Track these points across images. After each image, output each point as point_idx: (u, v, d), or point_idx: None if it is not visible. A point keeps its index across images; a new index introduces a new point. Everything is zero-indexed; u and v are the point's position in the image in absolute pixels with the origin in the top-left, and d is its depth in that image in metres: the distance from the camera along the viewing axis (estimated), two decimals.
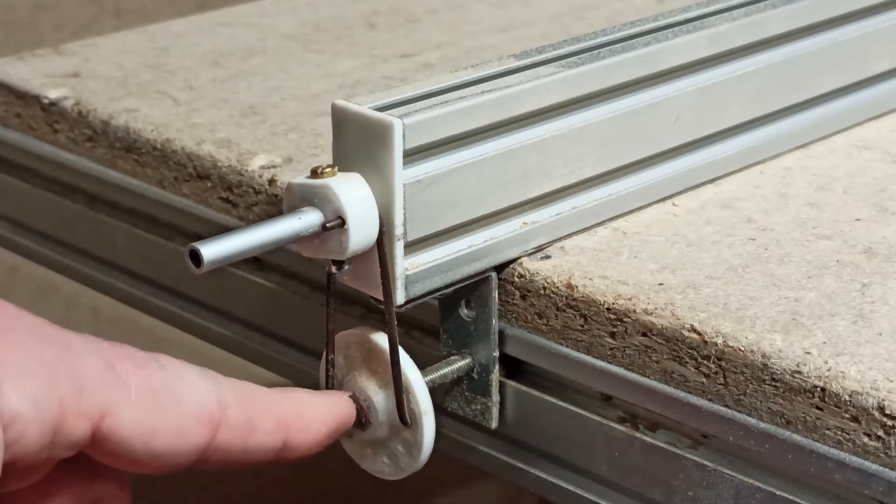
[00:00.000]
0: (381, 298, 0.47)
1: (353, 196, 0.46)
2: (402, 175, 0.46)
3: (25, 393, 0.38)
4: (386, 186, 0.46)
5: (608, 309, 0.48)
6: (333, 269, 0.47)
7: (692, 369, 0.47)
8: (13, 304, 0.40)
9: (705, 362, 0.46)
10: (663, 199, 0.56)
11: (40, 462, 0.40)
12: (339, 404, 0.47)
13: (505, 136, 0.49)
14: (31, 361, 0.39)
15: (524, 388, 0.52)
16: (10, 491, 0.42)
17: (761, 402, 0.45)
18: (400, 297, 0.47)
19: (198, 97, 0.67)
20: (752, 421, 0.46)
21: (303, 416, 0.45)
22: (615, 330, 0.48)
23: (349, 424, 0.48)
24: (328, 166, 0.46)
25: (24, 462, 0.39)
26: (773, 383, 0.45)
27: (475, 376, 0.52)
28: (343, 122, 0.47)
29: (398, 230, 0.47)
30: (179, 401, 0.41)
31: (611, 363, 0.49)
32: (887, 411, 0.43)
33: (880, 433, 0.43)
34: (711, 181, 0.57)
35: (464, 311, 0.51)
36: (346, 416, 0.47)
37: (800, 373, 0.44)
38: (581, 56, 0.52)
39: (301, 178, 0.46)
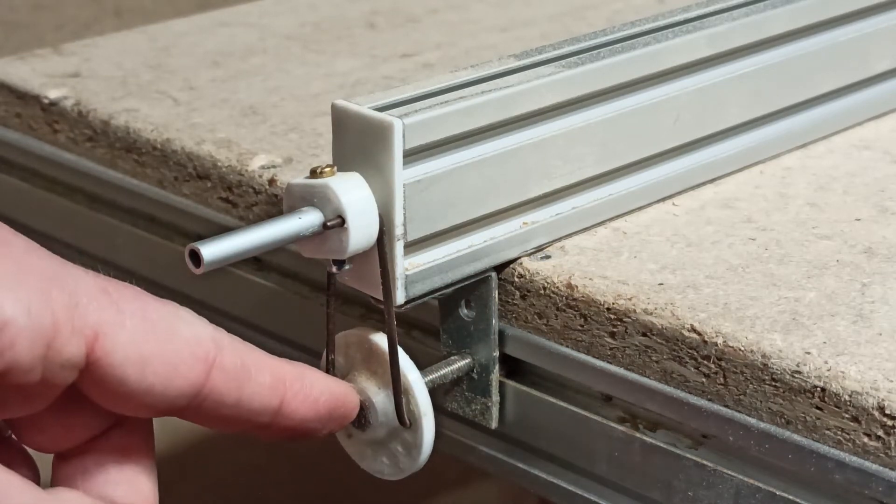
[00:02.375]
0: (381, 298, 0.47)
1: (353, 196, 0.46)
2: (402, 175, 0.46)
3: (18, 300, 0.37)
4: (386, 186, 0.46)
5: (608, 309, 0.48)
6: (333, 268, 0.47)
7: (692, 369, 0.47)
8: (9, 228, 0.40)
9: (705, 362, 0.46)
10: (663, 199, 0.56)
11: (36, 383, 0.39)
12: (342, 385, 0.46)
13: (505, 136, 0.49)
14: (25, 272, 0.38)
15: (524, 388, 0.52)
16: (15, 419, 0.41)
17: (761, 402, 0.45)
18: (400, 297, 0.47)
19: (198, 97, 0.67)
20: (752, 421, 0.46)
21: (303, 380, 0.44)
22: (615, 330, 0.48)
23: (350, 410, 0.47)
24: (327, 166, 0.46)
25: (18, 375, 0.38)
26: (773, 383, 0.45)
27: (475, 376, 0.52)
28: (343, 122, 0.47)
29: (398, 230, 0.47)
30: (174, 333, 0.41)
31: (611, 363, 0.49)
32: (887, 411, 0.43)
33: (880, 433, 0.43)
34: (711, 181, 0.57)
35: (464, 311, 0.51)
36: (348, 396, 0.46)
37: (800, 373, 0.44)
38: (581, 56, 0.52)
39: (300, 179, 0.46)
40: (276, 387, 0.43)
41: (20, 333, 0.37)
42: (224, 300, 0.62)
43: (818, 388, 0.44)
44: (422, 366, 0.49)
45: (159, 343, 0.40)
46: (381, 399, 0.49)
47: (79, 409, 0.42)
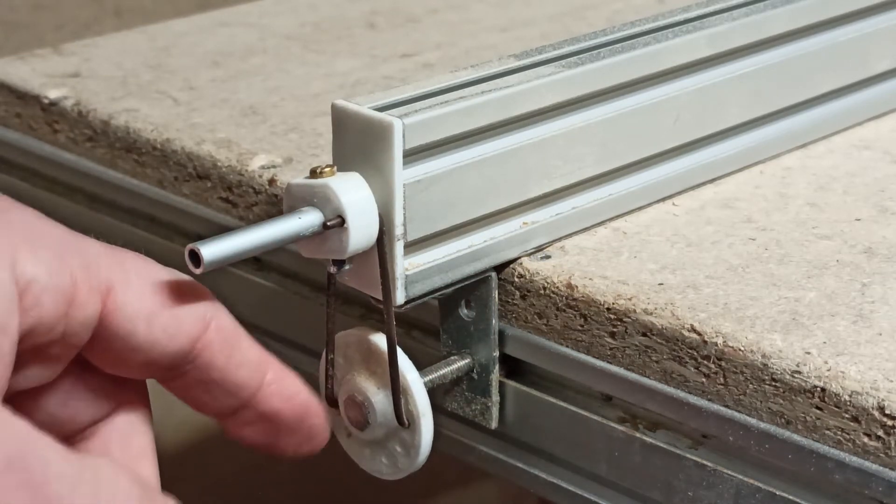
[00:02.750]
0: (381, 298, 0.47)
1: (353, 196, 0.46)
2: (402, 175, 0.46)
3: (39, 260, 0.39)
4: (386, 186, 0.46)
5: (608, 309, 0.48)
6: (333, 268, 0.47)
7: (692, 369, 0.47)
8: (14, 200, 0.41)
9: (705, 362, 0.46)
10: (663, 199, 0.56)
11: (54, 343, 0.40)
12: (317, 400, 0.46)
13: (505, 136, 0.49)
14: (39, 236, 0.40)
15: (524, 388, 0.52)
16: (29, 389, 0.41)
17: (761, 402, 0.45)
18: (400, 297, 0.47)
19: (198, 97, 0.67)
20: (752, 421, 0.46)
21: (283, 372, 0.45)
22: (615, 330, 0.48)
23: (319, 428, 0.46)
24: (327, 166, 0.46)
25: (41, 335, 0.39)
26: (773, 383, 0.45)
27: (475, 376, 0.52)
28: (343, 122, 0.47)
29: (398, 230, 0.47)
30: (176, 290, 0.42)
31: (611, 363, 0.49)
32: (887, 411, 0.43)
33: (880, 433, 0.43)
34: (711, 181, 0.57)
35: (464, 311, 0.51)
36: (321, 414, 0.46)
37: (800, 373, 0.44)
38: (581, 56, 0.52)
39: (300, 179, 0.46)
40: (261, 365, 0.44)
41: (44, 292, 0.39)
42: (224, 300, 0.62)
43: (818, 388, 0.44)
44: (421, 366, 0.49)
45: (163, 299, 0.42)
46: (379, 399, 0.49)
47: (80, 391, 0.43)
